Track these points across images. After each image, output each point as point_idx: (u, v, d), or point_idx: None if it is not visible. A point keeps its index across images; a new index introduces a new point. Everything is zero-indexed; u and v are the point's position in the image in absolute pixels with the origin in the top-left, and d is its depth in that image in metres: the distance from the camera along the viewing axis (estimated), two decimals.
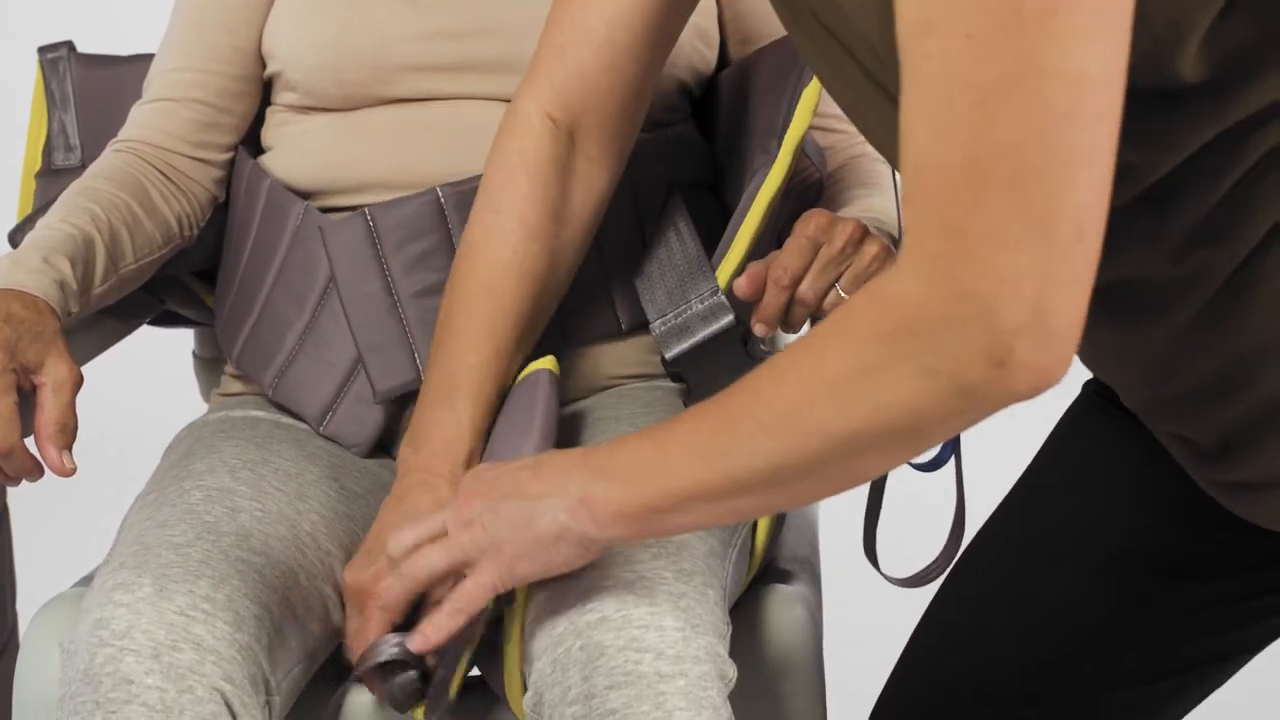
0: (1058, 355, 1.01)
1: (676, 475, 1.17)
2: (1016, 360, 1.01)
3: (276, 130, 1.66)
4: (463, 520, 1.27)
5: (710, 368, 1.50)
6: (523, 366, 1.48)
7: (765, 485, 1.14)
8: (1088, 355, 1.28)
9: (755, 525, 1.46)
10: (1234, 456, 1.22)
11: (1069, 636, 1.41)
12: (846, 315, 1.07)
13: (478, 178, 1.53)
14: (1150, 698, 1.42)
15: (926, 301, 1.02)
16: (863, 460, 1.10)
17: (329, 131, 1.61)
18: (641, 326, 1.58)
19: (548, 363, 1.46)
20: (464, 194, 1.54)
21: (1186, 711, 1.45)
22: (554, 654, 1.29)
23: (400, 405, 1.56)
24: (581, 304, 1.56)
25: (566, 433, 1.50)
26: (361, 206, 1.58)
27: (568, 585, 1.30)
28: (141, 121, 1.66)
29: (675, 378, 1.54)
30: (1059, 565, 1.41)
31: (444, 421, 1.44)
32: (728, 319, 1.50)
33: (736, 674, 1.31)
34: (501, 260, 1.46)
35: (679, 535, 1.33)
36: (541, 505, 1.23)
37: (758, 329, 1.47)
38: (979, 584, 1.45)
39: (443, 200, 1.54)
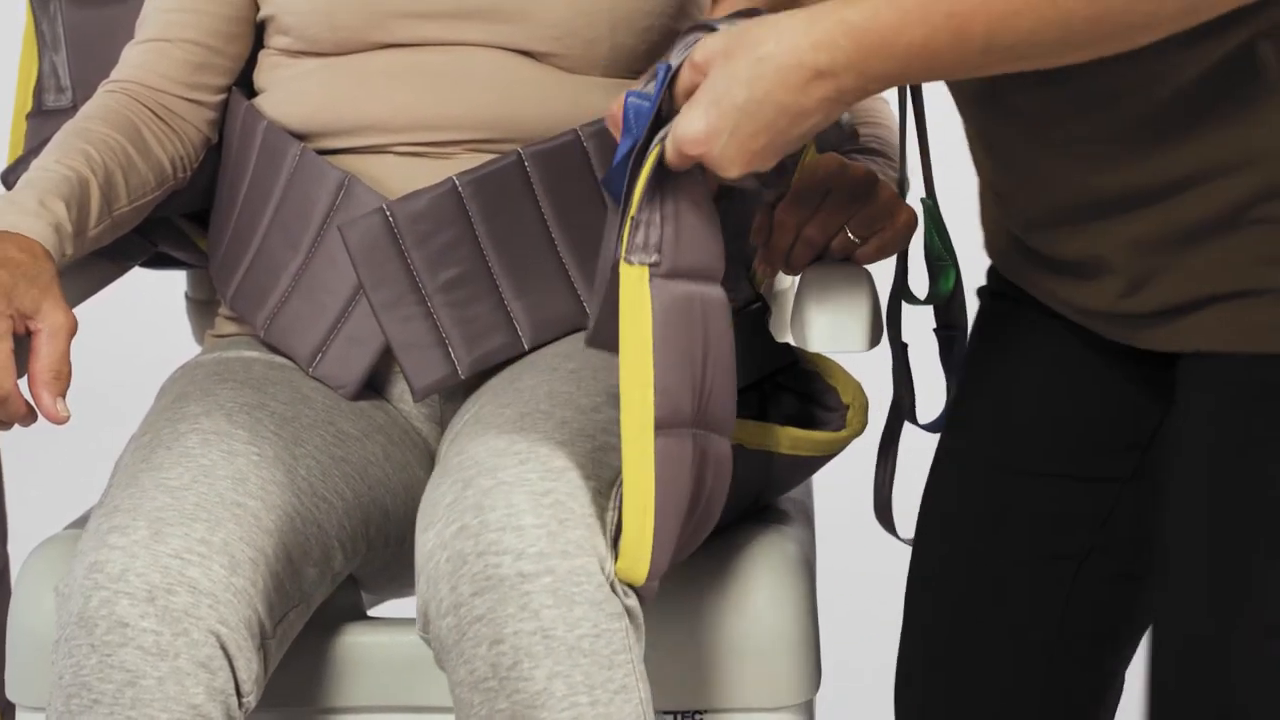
0: None
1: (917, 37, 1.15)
2: None
3: (269, 73, 1.65)
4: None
5: None
6: None
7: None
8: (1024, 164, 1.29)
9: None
10: (1151, 284, 1.24)
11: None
12: None
13: (493, 166, 1.52)
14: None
15: None
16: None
17: (322, 75, 1.60)
18: None
19: None
20: (481, 181, 1.52)
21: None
22: (426, 570, 1.30)
23: (389, 350, 1.55)
24: (547, 298, 1.54)
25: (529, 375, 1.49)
26: (353, 150, 1.57)
27: (437, 501, 1.30)
28: (134, 62, 1.65)
29: None
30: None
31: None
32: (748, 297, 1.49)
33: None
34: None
35: (551, 439, 1.31)
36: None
37: (759, 270, 1.47)
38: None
39: (460, 189, 1.53)
